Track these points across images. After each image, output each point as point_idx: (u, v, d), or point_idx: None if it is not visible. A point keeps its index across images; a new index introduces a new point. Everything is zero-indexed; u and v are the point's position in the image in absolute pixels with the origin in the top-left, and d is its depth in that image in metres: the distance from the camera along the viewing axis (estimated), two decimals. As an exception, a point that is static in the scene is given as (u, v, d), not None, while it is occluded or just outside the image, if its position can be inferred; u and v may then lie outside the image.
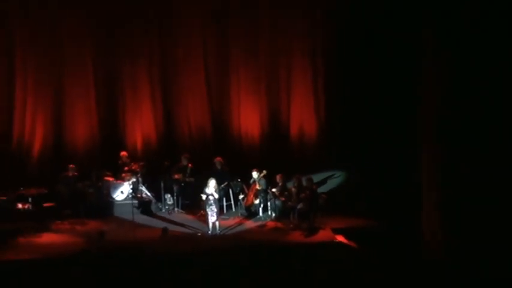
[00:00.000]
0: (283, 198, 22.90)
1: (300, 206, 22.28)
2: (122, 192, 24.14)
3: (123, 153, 25.11)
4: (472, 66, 20.23)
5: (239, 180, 24.13)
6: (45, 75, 25.77)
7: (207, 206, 21.92)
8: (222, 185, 23.24)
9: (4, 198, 23.13)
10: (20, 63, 25.63)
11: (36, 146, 25.78)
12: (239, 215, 23.80)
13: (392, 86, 23.78)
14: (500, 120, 20.23)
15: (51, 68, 25.78)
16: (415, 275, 18.80)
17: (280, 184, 23.13)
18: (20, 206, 23.01)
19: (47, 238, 22.08)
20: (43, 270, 19.52)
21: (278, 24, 25.84)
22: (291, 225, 22.36)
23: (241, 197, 24.02)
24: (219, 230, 21.99)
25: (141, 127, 26.06)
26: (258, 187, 23.51)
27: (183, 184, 24.32)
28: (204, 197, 22.06)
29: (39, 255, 20.45)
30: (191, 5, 25.63)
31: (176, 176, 24.37)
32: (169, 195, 24.31)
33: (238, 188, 24.14)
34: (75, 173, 24.21)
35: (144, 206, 24.17)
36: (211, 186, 21.93)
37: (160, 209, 24.32)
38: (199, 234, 22.03)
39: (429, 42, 20.46)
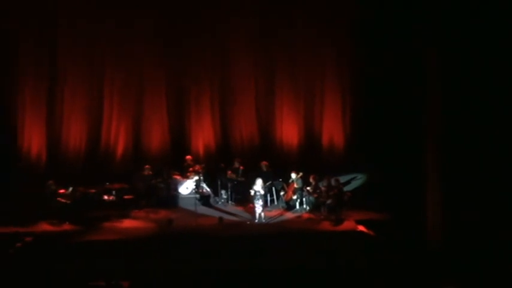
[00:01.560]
0: (315, 195, 23.16)
1: (329, 201, 22.59)
2: (187, 188, 24.26)
3: (188, 156, 25.26)
4: (470, 79, 20.42)
5: (280, 179, 24.30)
6: (128, 92, 26.10)
7: (254, 200, 22.36)
8: (267, 184, 23.44)
9: (94, 191, 23.39)
10: (108, 82, 26.02)
11: (120, 149, 26.09)
12: (280, 207, 23.98)
13: (404, 107, 23.81)
14: (494, 126, 20.48)
15: (132, 86, 26.11)
16: (419, 259, 18.95)
17: (313, 183, 23.32)
18: (105, 197, 23.40)
19: (127, 223, 22.62)
20: (125, 248, 20.14)
21: (314, 56, 25.97)
22: (322, 217, 22.67)
23: (282, 193, 24.22)
24: (264, 219, 22.36)
25: (202, 136, 26.21)
26: (295, 185, 23.67)
27: (235, 182, 24.49)
28: (252, 192, 22.42)
29: (122, 236, 21.16)
30: (245, 43, 25.91)
31: (230, 176, 24.56)
32: (224, 191, 24.61)
33: (280, 186, 24.32)
34: (150, 172, 24.46)
35: (204, 199, 24.37)
36: (258, 184, 22.38)
37: (217, 202, 24.54)
38: (248, 222, 22.48)
39: (431, 61, 20.64)
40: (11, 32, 24.93)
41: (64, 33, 25.47)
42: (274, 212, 23.52)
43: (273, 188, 24.43)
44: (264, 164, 24.57)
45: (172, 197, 24.50)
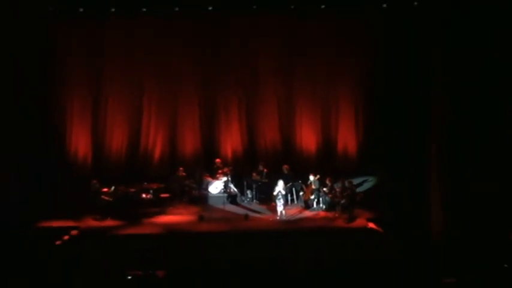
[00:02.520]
0: (331, 195, 23.28)
1: (343, 201, 22.71)
2: (217, 187, 24.43)
3: (218, 160, 25.38)
4: (473, 88, 20.35)
5: (300, 181, 24.44)
6: (165, 103, 26.24)
7: (276, 199, 22.54)
8: (288, 185, 23.60)
9: (133, 190, 23.63)
10: (147, 94, 26.22)
11: (157, 153, 26.22)
12: (299, 206, 24.09)
13: (410, 118, 23.95)
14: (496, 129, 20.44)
15: (169, 98, 26.25)
16: (422, 253, 18.98)
17: (329, 185, 23.48)
18: (144, 196, 23.63)
19: (162, 219, 22.86)
20: (160, 240, 20.52)
21: (331, 72, 26.00)
22: (336, 215, 22.75)
23: (301, 193, 24.34)
24: (284, 216, 22.53)
25: (231, 142, 26.29)
26: (313, 187, 23.79)
27: (260, 183, 24.60)
28: (274, 192, 22.64)
29: (158, 230, 21.53)
30: (268, 60, 26.01)
31: (255, 178, 24.76)
32: (249, 191, 24.75)
33: (299, 187, 24.47)
34: (184, 173, 24.69)
35: (231, 198, 24.46)
36: (280, 185, 22.57)
37: (243, 201, 24.67)
38: (270, 219, 22.63)
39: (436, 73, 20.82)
40: (61, 50, 25.24)
41: (109, 52, 25.78)
42: (293, 210, 23.61)
43: (293, 189, 24.48)
44: (285, 167, 24.69)
45: (204, 195, 24.68)
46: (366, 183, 25.10)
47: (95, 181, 23.13)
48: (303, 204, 24.14)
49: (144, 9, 23.92)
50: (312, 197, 23.89)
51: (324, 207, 23.62)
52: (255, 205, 24.36)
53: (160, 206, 23.68)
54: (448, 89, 20.34)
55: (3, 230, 20.32)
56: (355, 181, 24.14)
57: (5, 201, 21.35)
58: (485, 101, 20.64)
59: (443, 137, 20.51)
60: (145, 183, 24.14)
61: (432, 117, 20.91)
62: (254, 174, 24.88)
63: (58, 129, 25.64)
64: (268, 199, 24.15)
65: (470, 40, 20.12)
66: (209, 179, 24.80)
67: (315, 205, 23.90)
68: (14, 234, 20.27)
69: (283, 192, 22.70)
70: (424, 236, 20.41)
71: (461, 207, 20.11)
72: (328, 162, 25.97)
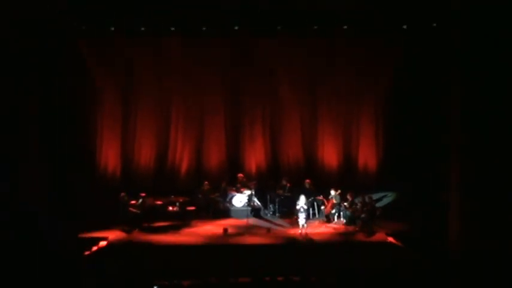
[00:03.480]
0: (351, 210, 23.16)
1: (363, 215, 22.61)
2: (240, 201, 24.50)
3: (241, 174, 25.44)
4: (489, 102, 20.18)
5: (321, 196, 24.31)
6: (192, 119, 26.39)
7: (298, 213, 22.30)
8: (310, 199, 23.48)
9: (160, 202, 23.72)
10: (174, 111, 26.40)
11: (184, 167, 26.35)
12: (320, 220, 24.00)
13: (429, 136, 23.88)
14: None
15: (195, 114, 26.40)
16: (441, 268, 18.84)
17: (350, 200, 23.39)
18: (170, 208, 23.59)
19: (188, 231, 22.72)
20: (186, 251, 20.41)
21: (352, 92, 26.12)
22: (357, 229, 22.62)
23: (322, 207, 24.24)
24: (306, 230, 22.26)
25: (255, 157, 26.38)
26: (334, 201, 23.74)
27: (282, 197, 24.55)
28: (297, 207, 22.37)
29: (185, 240, 21.59)
30: (292, 80, 26.19)
31: (278, 192, 24.75)
32: (272, 205, 24.67)
33: (320, 202, 24.34)
34: (209, 187, 24.73)
35: (255, 212, 24.48)
36: (302, 199, 22.34)
37: (266, 214, 24.60)
38: (292, 232, 22.38)
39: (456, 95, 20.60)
40: (92, 67, 25.42)
41: (138, 68, 25.97)
42: (315, 224, 23.50)
43: (315, 203, 24.37)
44: (307, 182, 24.66)
45: (228, 209, 24.68)
46: (385, 199, 25.08)
47: (123, 194, 23.19)
48: (324, 218, 24.03)
49: (173, 28, 23.92)
50: (333, 211, 23.82)
51: (345, 221, 23.49)
52: (278, 219, 24.22)
53: (186, 218, 23.59)
54: (467, 107, 20.16)
55: (33, 241, 20.28)
56: (375, 196, 24.17)
57: (36, 212, 21.33)
58: (504, 117, 20.44)
59: (462, 154, 20.24)
60: (172, 196, 24.20)
61: (451, 133, 20.72)
62: (277, 188, 24.83)
63: (88, 144, 25.75)
64: (290, 213, 23.89)
65: (489, 60, 19.96)
66: (233, 192, 24.84)
67: (335, 219, 23.80)
68: (44, 245, 20.22)
69: (305, 207, 22.48)
70: (442, 250, 20.09)
71: (480, 222, 19.80)
72: (348, 178, 26.08)
